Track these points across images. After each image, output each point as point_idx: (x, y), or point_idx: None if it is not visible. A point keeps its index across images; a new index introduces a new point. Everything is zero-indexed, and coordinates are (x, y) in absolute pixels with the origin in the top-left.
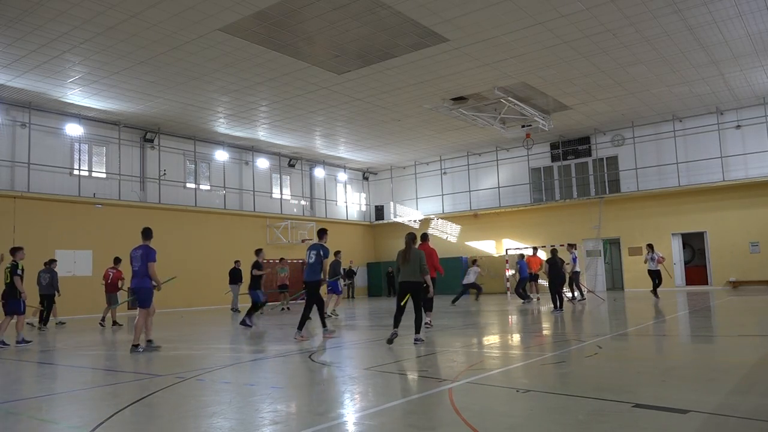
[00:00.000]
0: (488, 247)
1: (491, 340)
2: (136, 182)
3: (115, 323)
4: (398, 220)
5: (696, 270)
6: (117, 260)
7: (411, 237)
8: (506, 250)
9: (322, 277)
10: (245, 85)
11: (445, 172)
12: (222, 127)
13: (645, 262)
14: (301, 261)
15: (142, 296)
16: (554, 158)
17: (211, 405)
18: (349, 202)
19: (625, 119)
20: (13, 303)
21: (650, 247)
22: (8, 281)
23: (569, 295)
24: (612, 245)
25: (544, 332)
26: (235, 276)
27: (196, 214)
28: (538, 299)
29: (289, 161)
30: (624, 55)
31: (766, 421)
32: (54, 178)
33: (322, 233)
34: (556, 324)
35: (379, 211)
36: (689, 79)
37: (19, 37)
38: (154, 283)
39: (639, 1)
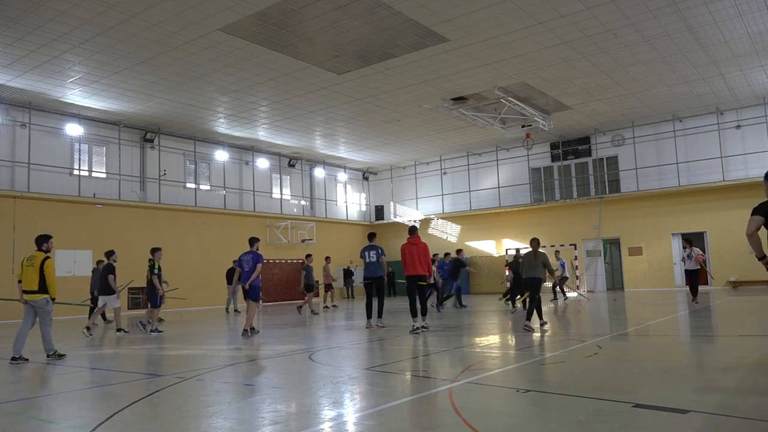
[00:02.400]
0: (488, 247)
1: (491, 340)
2: (136, 182)
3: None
4: (398, 220)
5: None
6: None
7: (537, 241)
8: (506, 250)
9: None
10: (245, 85)
11: (445, 172)
12: (222, 127)
13: (682, 260)
14: (299, 261)
15: (253, 292)
16: (554, 158)
17: (211, 405)
18: (349, 202)
19: (625, 119)
20: (152, 297)
21: (688, 242)
22: (149, 278)
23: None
24: (612, 245)
25: (544, 332)
26: (233, 276)
27: (196, 214)
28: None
29: (289, 161)
30: (624, 55)
31: (766, 421)
32: (54, 178)
33: (372, 236)
34: (555, 324)
35: (379, 211)
36: (689, 79)
37: (19, 37)
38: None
39: (639, 1)
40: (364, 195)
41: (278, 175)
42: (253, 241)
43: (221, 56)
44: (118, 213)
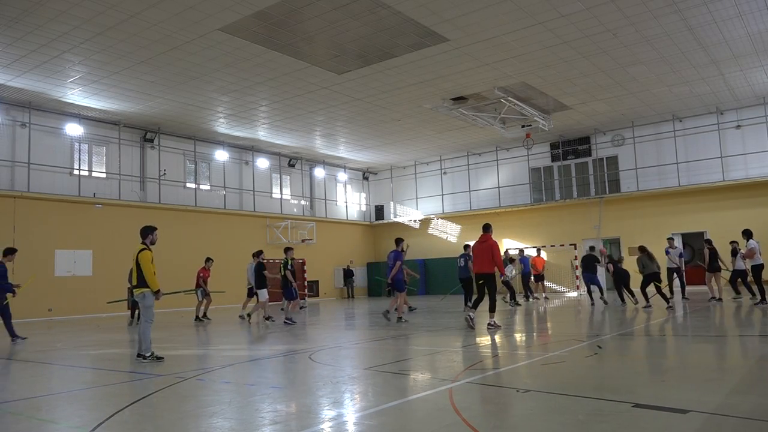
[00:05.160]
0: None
1: (491, 339)
2: (136, 182)
3: (205, 316)
4: (398, 220)
5: (696, 270)
6: (208, 260)
7: (643, 247)
8: (506, 250)
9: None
10: (245, 85)
11: (445, 172)
12: (222, 127)
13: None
14: (300, 261)
15: (396, 285)
16: (554, 158)
17: (211, 405)
18: (349, 202)
19: (625, 119)
20: (287, 291)
21: (747, 234)
22: (282, 274)
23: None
24: (612, 245)
25: (545, 332)
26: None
27: (196, 214)
28: (546, 299)
29: (289, 161)
30: (624, 55)
31: (766, 421)
32: (54, 178)
33: (466, 247)
34: (556, 324)
35: (379, 211)
36: (689, 79)
37: (19, 37)
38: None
39: (639, 1)
40: (364, 195)
41: (278, 175)
42: (398, 241)
43: (221, 56)
44: (118, 213)
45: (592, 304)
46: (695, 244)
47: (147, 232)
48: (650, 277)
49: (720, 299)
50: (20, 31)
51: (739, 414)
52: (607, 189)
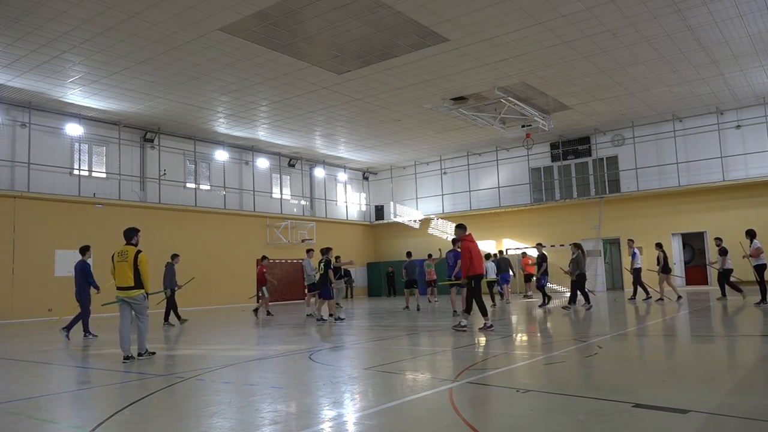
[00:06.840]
0: (488, 247)
1: (491, 339)
2: (136, 182)
3: (256, 311)
4: (398, 220)
5: (696, 270)
6: (264, 258)
7: (579, 245)
8: (506, 249)
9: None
10: (245, 85)
11: (445, 172)
12: (222, 127)
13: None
14: (299, 261)
15: (460, 282)
16: (554, 158)
17: (211, 405)
18: (349, 202)
19: (625, 119)
20: (325, 290)
21: (751, 234)
22: (323, 273)
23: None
24: (612, 245)
25: (545, 332)
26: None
27: (196, 214)
28: (529, 296)
29: (289, 161)
30: (624, 55)
31: (766, 421)
32: (54, 178)
33: (455, 242)
34: (556, 324)
35: (379, 211)
36: (689, 79)
37: (19, 37)
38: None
39: (639, 1)
40: (364, 195)
41: (278, 175)
42: (455, 241)
43: (221, 56)
44: (118, 213)
45: (542, 305)
46: (695, 244)
47: (133, 233)
48: (583, 277)
49: (662, 299)
50: (20, 31)
51: (739, 414)
52: (607, 189)
